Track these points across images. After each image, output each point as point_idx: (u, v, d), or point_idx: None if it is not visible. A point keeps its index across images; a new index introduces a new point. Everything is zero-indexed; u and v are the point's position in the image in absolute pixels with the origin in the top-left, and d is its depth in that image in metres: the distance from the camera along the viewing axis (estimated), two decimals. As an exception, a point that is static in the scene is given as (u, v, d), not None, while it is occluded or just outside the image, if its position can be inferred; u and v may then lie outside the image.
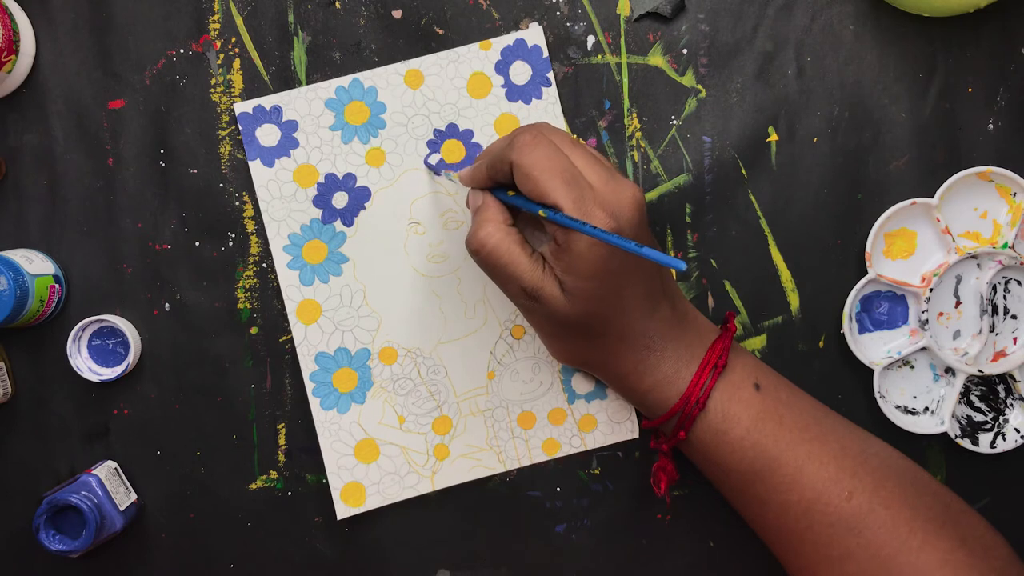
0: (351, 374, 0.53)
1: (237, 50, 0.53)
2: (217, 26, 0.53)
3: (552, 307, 0.44)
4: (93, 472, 0.51)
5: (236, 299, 0.53)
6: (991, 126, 0.53)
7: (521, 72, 0.53)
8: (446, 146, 0.53)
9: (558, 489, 0.54)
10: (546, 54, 0.53)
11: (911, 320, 0.53)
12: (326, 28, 0.53)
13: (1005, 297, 0.53)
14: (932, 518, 0.44)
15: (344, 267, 0.53)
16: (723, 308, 0.54)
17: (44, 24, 0.53)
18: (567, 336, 0.46)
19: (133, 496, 0.53)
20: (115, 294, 0.53)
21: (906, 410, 0.53)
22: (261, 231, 0.53)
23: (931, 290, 0.52)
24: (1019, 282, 0.53)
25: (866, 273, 0.52)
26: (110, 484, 0.51)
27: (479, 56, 0.53)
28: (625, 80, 0.53)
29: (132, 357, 0.52)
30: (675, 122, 0.53)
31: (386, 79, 0.52)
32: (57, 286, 0.52)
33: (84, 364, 0.52)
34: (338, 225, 0.53)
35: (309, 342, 0.53)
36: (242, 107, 0.52)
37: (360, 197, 0.53)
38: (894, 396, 0.53)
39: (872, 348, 0.53)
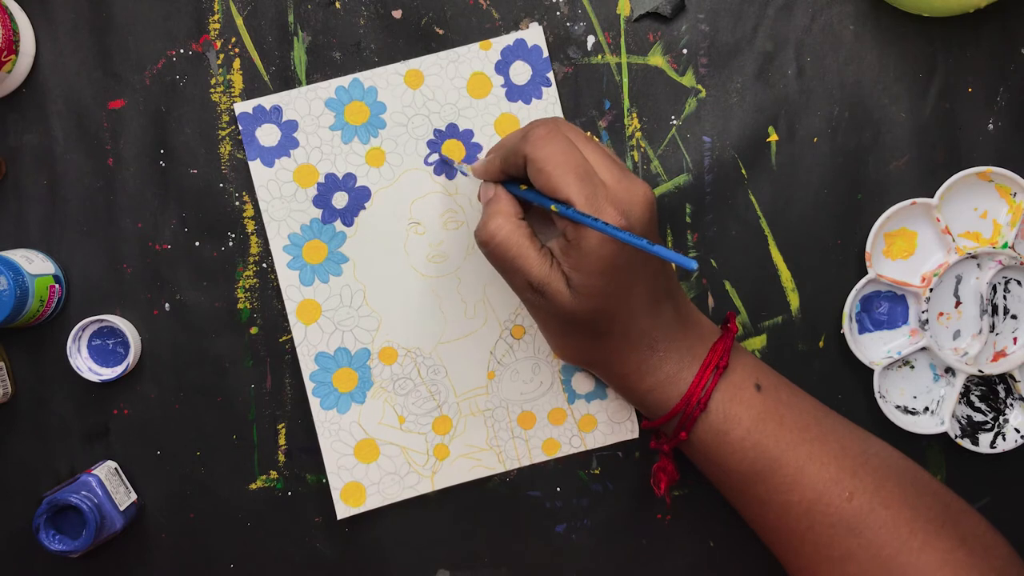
0: (351, 374, 0.53)
1: (237, 50, 0.53)
2: (217, 26, 0.53)
3: (558, 303, 0.44)
4: (93, 472, 0.51)
5: (236, 299, 0.53)
6: (991, 126, 0.53)
7: (521, 72, 0.53)
8: (446, 146, 0.53)
9: (558, 489, 0.54)
10: (546, 54, 0.53)
11: (911, 320, 0.53)
12: (326, 28, 0.53)
13: (1005, 297, 0.53)
14: (932, 518, 0.44)
15: (344, 267, 0.53)
16: (723, 308, 0.54)
17: (44, 24, 0.53)
18: (571, 333, 0.46)
19: (133, 496, 0.53)
20: (115, 294, 0.53)
21: (906, 410, 0.53)
22: (261, 231, 0.53)
23: (931, 290, 0.52)
24: (1019, 282, 0.53)
25: (866, 273, 0.52)
26: (110, 484, 0.51)
27: (479, 56, 0.53)
28: (625, 80, 0.53)
29: (132, 357, 0.52)
30: (675, 122, 0.53)
31: (386, 79, 0.52)
32: (57, 286, 0.52)
33: (84, 364, 0.52)
34: (338, 225, 0.53)
35: (309, 342, 0.53)
36: (242, 107, 0.52)
37: (360, 197, 0.53)
38: (894, 396, 0.53)
39: (872, 348, 0.53)
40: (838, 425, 0.47)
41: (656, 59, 0.53)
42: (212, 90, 0.53)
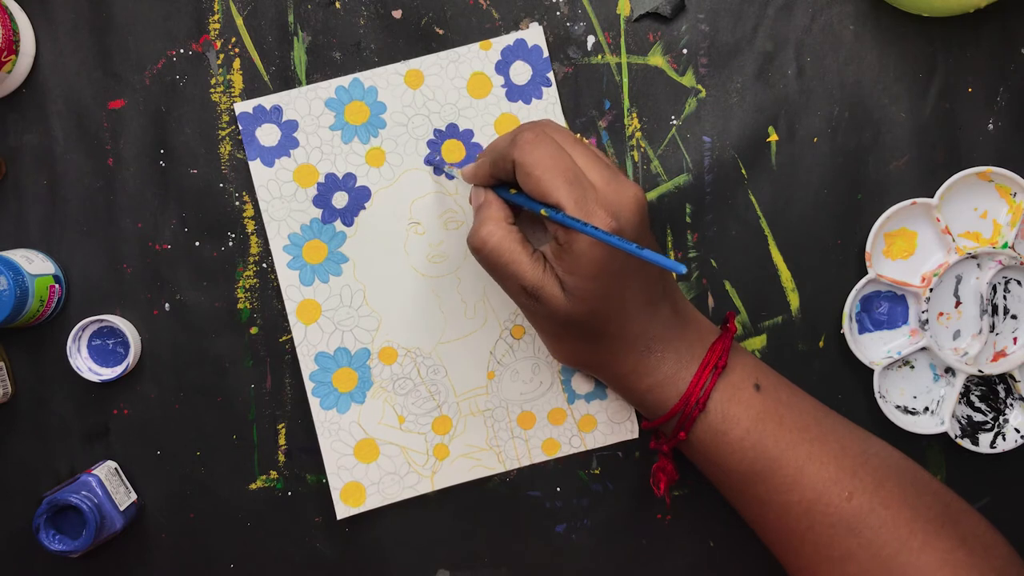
0: (351, 374, 0.53)
1: (237, 50, 0.53)
2: (217, 26, 0.53)
3: (552, 307, 0.44)
4: (93, 472, 0.51)
5: (236, 299, 0.53)
6: (991, 126, 0.53)
7: (521, 72, 0.53)
8: (446, 146, 0.53)
9: (558, 489, 0.54)
10: (546, 54, 0.53)
11: (911, 320, 0.53)
12: (326, 28, 0.53)
13: (1005, 297, 0.53)
14: (932, 518, 0.44)
15: (344, 267, 0.53)
16: (723, 308, 0.54)
17: (44, 24, 0.53)
18: (567, 336, 0.46)
19: (133, 496, 0.53)
20: (115, 294, 0.53)
21: (906, 410, 0.53)
22: (261, 231, 0.53)
23: (931, 290, 0.52)
24: (1019, 282, 0.53)
25: (866, 273, 0.52)
26: (110, 484, 0.51)
27: (479, 56, 0.53)
28: (625, 80, 0.53)
29: (132, 357, 0.52)
30: (675, 122, 0.53)
31: (386, 79, 0.52)
32: (57, 286, 0.52)
33: (84, 364, 0.52)
34: (338, 225, 0.53)
35: (309, 342, 0.53)
36: (242, 107, 0.52)
37: (360, 197, 0.53)
38: (894, 396, 0.53)
39: (872, 348, 0.53)
40: (838, 425, 0.47)
41: (656, 59, 0.53)
42: (212, 90, 0.53)
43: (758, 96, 0.53)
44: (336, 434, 0.53)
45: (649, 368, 0.47)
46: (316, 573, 0.54)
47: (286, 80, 0.53)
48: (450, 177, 0.52)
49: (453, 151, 0.53)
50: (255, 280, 0.53)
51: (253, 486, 0.54)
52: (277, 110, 0.52)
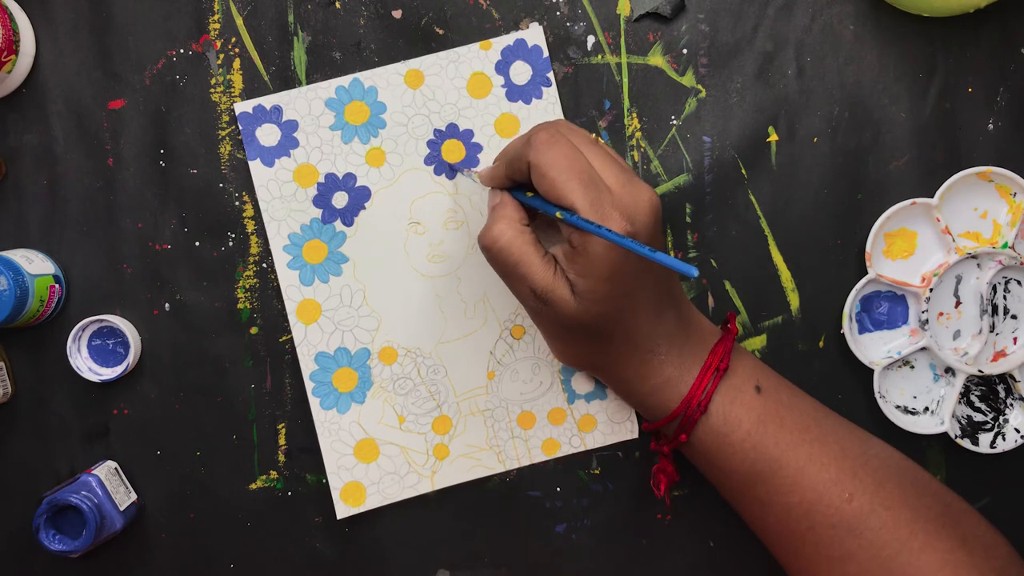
0: (351, 374, 0.53)
1: (237, 50, 0.53)
2: (217, 26, 0.53)
3: (562, 309, 0.44)
4: (93, 472, 0.51)
5: (236, 299, 0.53)
6: (991, 126, 0.53)
7: (521, 72, 0.53)
8: (446, 146, 0.53)
9: (558, 489, 0.54)
10: (546, 54, 0.53)
11: (911, 320, 0.53)
12: (326, 28, 0.53)
13: (1005, 297, 0.53)
14: (933, 518, 0.44)
15: (344, 267, 0.53)
16: (723, 308, 0.54)
17: (44, 24, 0.53)
18: (573, 339, 0.46)
19: (133, 496, 0.53)
20: (115, 294, 0.53)
21: (906, 410, 0.53)
22: (261, 231, 0.53)
23: (931, 290, 0.52)
24: (1019, 282, 0.53)
25: (866, 273, 0.52)
26: (110, 484, 0.51)
27: (479, 56, 0.53)
28: (625, 80, 0.53)
29: (132, 357, 0.52)
30: (675, 122, 0.53)
31: (386, 79, 0.52)
32: (57, 286, 0.52)
33: (84, 364, 0.52)
34: (338, 225, 0.53)
35: (309, 342, 0.53)
36: (242, 107, 0.52)
37: (360, 197, 0.53)
38: (894, 396, 0.53)
39: (872, 348, 0.53)
40: (838, 426, 0.47)
41: (656, 59, 0.53)
42: (212, 90, 0.53)
43: (758, 96, 0.53)
44: (336, 434, 0.53)
45: (652, 371, 0.47)
46: (316, 573, 0.54)
47: (286, 80, 0.53)
48: (474, 181, 0.52)
49: (453, 151, 0.53)
50: (255, 280, 0.53)
51: (253, 486, 0.54)
52: (277, 110, 0.52)
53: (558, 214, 0.42)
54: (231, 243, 0.53)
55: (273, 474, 0.54)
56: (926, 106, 0.53)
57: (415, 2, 0.53)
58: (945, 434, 0.53)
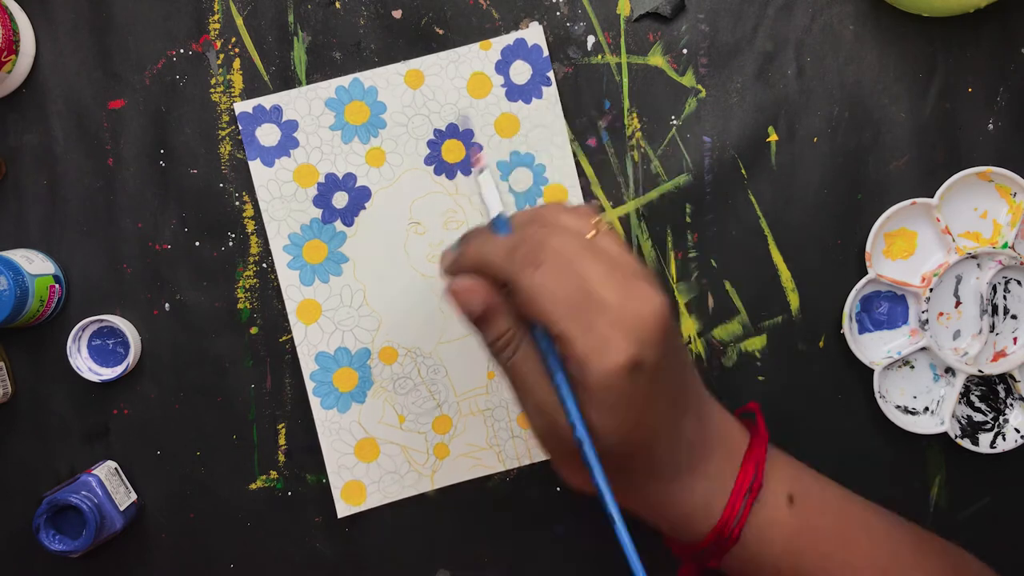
0: (351, 373, 0.53)
1: (237, 50, 0.53)
2: (217, 26, 0.53)
3: (568, 440, 0.38)
4: (93, 472, 0.51)
5: (236, 299, 0.53)
6: (991, 126, 0.53)
7: (521, 72, 0.53)
8: (446, 146, 0.53)
9: (558, 489, 0.54)
10: (546, 54, 0.53)
11: (911, 320, 0.53)
12: (326, 28, 0.53)
13: (1005, 297, 0.53)
14: None
15: (344, 267, 0.53)
16: (723, 308, 0.54)
17: (44, 24, 0.53)
18: (583, 468, 0.39)
19: (133, 496, 0.53)
20: (115, 294, 0.53)
21: (906, 410, 0.53)
22: (261, 231, 0.53)
23: (931, 290, 0.52)
24: (1019, 282, 0.53)
25: (866, 273, 0.52)
26: (110, 484, 0.51)
27: (479, 56, 0.53)
28: (625, 80, 0.53)
29: (132, 357, 0.52)
30: (675, 122, 0.53)
31: (386, 79, 0.52)
32: (57, 286, 0.52)
33: (84, 364, 0.52)
34: (338, 225, 0.53)
35: (309, 342, 0.53)
36: (242, 107, 0.52)
37: (360, 197, 0.53)
38: (894, 396, 0.53)
39: (872, 348, 0.53)
40: (880, 525, 0.43)
41: (656, 59, 0.53)
42: (212, 90, 0.53)
43: (758, 96, 0.53)
44: (337, 433, 0.53)
45: (677, 498, 0.40)
46: (316, 573, 0.54)
47: (286, 80, 0.53)
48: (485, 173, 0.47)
49: (453, 151, 0.53)
50: (255, 280, 0.53)
51: (253, 486, 0.54)
52: (277, 110, 0.52)
53: (550, 366, 0.37)
54: (231, 243, 0.53)
55: (273, 474, 0.54)
56: (926, 106, 0.53)
57: (415, 2, 0.53)
58: (945, 434, 0.53)
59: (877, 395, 0.52)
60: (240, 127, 0.52)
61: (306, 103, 0.52)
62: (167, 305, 0.53)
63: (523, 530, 0.54)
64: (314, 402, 0.53)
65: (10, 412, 0.54)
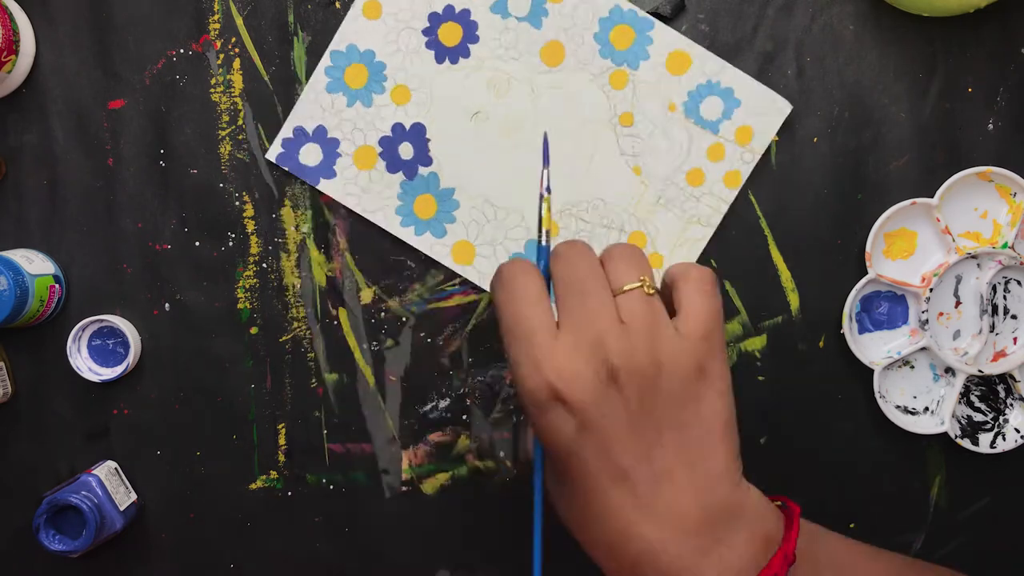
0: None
1: (237, 50, 0.53)
2: (217, 26, 0.53)
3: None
4: (93, 472, 0.51)
5: (236, 299, 0.53)
6: (991, 126, 0.53)
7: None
8: (443, 30, 0.52)
9: (558, 489, 0.54)
10: (546, 54, 0.53)
11: (911, 320, 0.53)
12: (326, 28, 0.53)
13: (1005, 297, 0.53)
14: None
15: (456, 198, 0.53)
16: (723, 308, 0.53)
17: (44, 24, 0.53)
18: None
19: (133, 496, 0.53)
20: (115, 294, 0.53)
21: (906, 410, 0.53)
22: (261, 231, 0.53)
23: (931, 290, 0.52)
24: (1019, 282, 0.53)
25: (866, 273, 0.52)
26: (110, 484, 0.51)
27: None
28: (625, 80, 0.53)
29: (132, 357, 0.52)
30: (675, 122, 0.53)
31: (354, 27, 0.52)
32: (57, 286, 0.52)
33: (84, 364, 0.52)
34: (421, 169, 0.52)
35: (483, 274, 0.53)
36: (272, 152, 0.52)
37: (418, 134, 0.52)
38: (894, 396, 0.53)
39: (872, 348, 0.53)
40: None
41: (656, 59, 0.53)
42: (212, 90, 0.53)
43: (758, 96, 0.53)
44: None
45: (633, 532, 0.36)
46: (316, 573, 0.54)
47: (286, 80, 0.53)
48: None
49: (449, 34, 0.52)
50: (255, 280, 0.53)
51: (253, 486, 0.54)
52: (300, 131, 0.52)
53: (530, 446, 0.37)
54: (231, 243, 0.53)
55: (273, 474, 0.54)
56: (926, 106, 0.53)
57: (415, 2, 0.53)
58: (945, 434, 0.53)
59: (877, 395, 0.52)
60: (287, 168, 0.52)
61: (315, 99, 0.52)
62: (167, 305, 0.53)
63: (523, 530, 0.54)
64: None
65: (10, 412, 0.54)
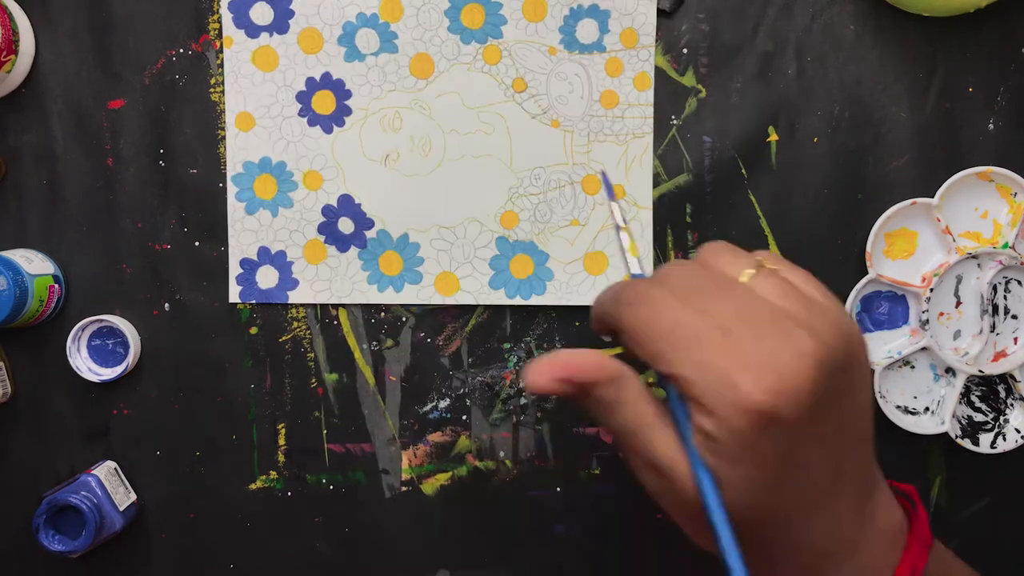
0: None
1: (237, 50, 0.53)
2: (217, 26, 0.53)
3: (688, 496, 0.32)
4: (93, 472, 0.51)
5: (236, 299, 0.53)
6: (991, 126, 0.53)
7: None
8: (315, 101, 0.52)
9: (558, 489, 0.54)
10: (546, 54, 0.53)
11: (911, 320, 0.53)
12: None
13: (1005, 297, 0.53)
14: None
15: (406, 237, 0.53)
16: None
17: (44, 24, 0.53)
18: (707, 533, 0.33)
19: (133, 496, 0.53)
20: (115, 294, 0.53)
21: (906, 410, 0.53)
22: (261, 231, 0.53)
23: (931, 290, 0.52)
24: (1019, 282, 0.53)
25: (866, 273, 0.52)
26: (110, 484, 0.51)
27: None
28: (625, 80, 0.53)
29: (132, 357, 0.52)
30: (675, 122, 0.53)
31: (237, 144, 0.52)
32: (57, 286, 0.52)
33: (84, 364, 0.52)
34: (367, 234, 0.53)
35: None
36: (234, 293, 0.52)
37: (348, 206, 0.53)
38: (894, 396, 0.53)
39: (872, 348, 0.53)
40: None
41: (656, 59, 0.53)
42: (212, 90, 0.53)
43: (758, 96, 0.53)
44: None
45: None
46: (316, 573, 0.54)
47: (286, 80, 0.53)
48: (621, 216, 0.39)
49: (324, 103, 0.52)
50: (255, 280, 0.53)
51: (253, 486, 0.54)
52: (246, 263, 0.52)
53: (668, 404, 0.32)
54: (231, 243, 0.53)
55: (273, 474, 0.54)
56: (926, 106, 0.53)
57: (415, 2, 0.53)
58: (945, 434, 0.53)
59: (877, 395, 0.52)
60: (254, 301, 0.53)
61: (242, 228, 0.52)
62: (167, 305, 0.53)
63: (523, 530, 0.54)
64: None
65: (10, 412, 0.54)
